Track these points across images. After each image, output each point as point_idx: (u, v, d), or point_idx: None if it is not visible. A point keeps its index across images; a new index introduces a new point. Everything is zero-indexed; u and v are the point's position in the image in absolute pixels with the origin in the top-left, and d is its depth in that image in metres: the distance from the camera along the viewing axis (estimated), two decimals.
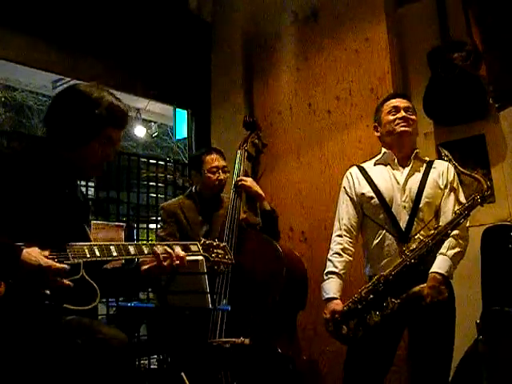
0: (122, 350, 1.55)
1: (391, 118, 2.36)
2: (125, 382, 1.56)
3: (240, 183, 2.91)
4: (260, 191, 2.93)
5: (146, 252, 1.76)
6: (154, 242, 1.83)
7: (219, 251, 1.98)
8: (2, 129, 8.46)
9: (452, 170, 2.32)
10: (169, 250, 1.77)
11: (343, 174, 2.55)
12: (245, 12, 4.05)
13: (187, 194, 2.98)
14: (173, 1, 4.08)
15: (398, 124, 2.33)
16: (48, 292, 1.45)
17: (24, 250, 1.44)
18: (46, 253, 1.49)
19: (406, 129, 2.32)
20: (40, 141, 1.81)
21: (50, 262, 1.46)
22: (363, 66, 3.37)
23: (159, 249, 1.75)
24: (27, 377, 1.48)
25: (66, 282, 1.48)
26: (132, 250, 1.73)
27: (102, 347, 1.52)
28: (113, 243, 1.71)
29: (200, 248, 1.93)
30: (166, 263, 1.74)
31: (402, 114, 2.34)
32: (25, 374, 1.48)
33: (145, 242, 1.85)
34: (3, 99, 8.78)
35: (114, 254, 1.68)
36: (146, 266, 1.78)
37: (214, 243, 1.99)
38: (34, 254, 1.44)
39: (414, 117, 2.37)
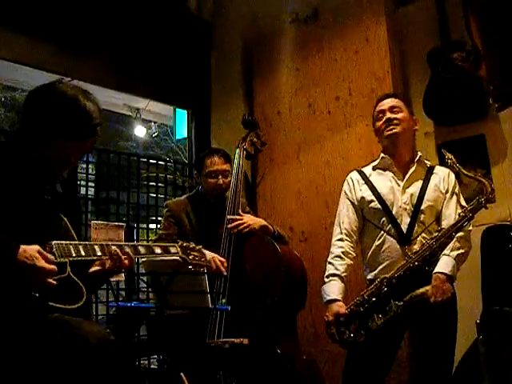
0: (101, 348, 1.53)
1: (379, 123, 2.38)
2: (104, 380, 1.54)
3: (243, 231, 2.68)
4: (261, 223, 2.74)
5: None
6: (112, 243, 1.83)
7: (195, 253, 2.02)
8: (2, 129, 8.45)
9: (453, 176, 2.32)
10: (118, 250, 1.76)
11: (343, 173, 2.55)
12: (245, 12, 4.05)
13: (193, 195, 2.93)
14: (172, 1, 4.08)
15: (384, 129, 2.35)
16: (36, 294, 1.46)
17: (21, 248, 1.44)
18: (51, 256, 1.50)
19: (391, 132, 2.32)
20: (11, 136, 1.82)
21: (46, 264, 1.47)
22: (363, 66, 3.37)
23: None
24: (5, 375, 1.48)
25: (52, 281, 1.49)
26: (115, 249, 1.73)
27: (79, 344, 1.51)
28: (97, 243, 1.73)
29: (179, 250, 1.95)
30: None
31: (387, 115, 2.34)
32: (3, 372, 1.47)
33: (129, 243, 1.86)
34: (3, 99, 8.78)
35: (99, 253, 1.69)
36: (93, 269, 1.77)
37: (191, 245, 2.02)
38: (30, 252, 1.45)
39: (401, 114, 2.34)
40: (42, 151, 1.68)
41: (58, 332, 1.54)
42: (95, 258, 1.69)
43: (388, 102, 2.38)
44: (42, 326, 1.55)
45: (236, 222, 2.71)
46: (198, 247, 2.05)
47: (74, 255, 1.61)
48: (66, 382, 1.51)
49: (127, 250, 1.76)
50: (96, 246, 1.69)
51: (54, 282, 1.49)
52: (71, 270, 1.62)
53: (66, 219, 1.74)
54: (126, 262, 1.74)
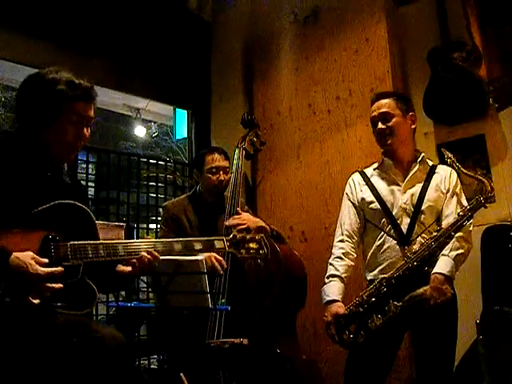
0: (118, 350, 1.52)
1: (373, 133, 2.36)
2: (120, 383, 1.54)
3: (237, 227, 2.61)
4: (259, 224, 2.72)
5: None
6: (153, 239, 1.77)
7: (251, 245, 1.85)
8: (2, 129, 8.45)
9: (454, 175, 2.30)
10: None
11: (343, 173, 2.55)
12: (245, 12, 4.05)
13: (191, 195, 2.93)
14: (173, 1, 4.08)
15: (377, 141, 2.35)
16: (36, 302, 1.42)
17: (13, 255, 1.41)
18: (45, 260, 1.47)
19: (385, 144, 2.31)
20: (10, 132, 1.81)
21: (41, 269, 1.43)
22: (363, 66, 3.37)
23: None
24: (22, 376, 1.46)
25: (57, 285, 1.45)
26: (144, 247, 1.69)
27: (98, 346, 1.49)
28: (121, 241, 1.67)
29: (226, 244, 1.82)
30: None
31: (378, 126, 2.31)
32: (19, 373, 1.46)
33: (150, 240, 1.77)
34: (3, 99, 8.76)
35: (121, 253, 1.64)
36: (127, 269, 1.72)
37: (248, 237, 1.86)
38: (23, 259, 1.41)
39: (393, 120, 2.28)
40: (57, 125, 1.66)
41: (75, 333, 1.52)
42: (115, 258, 1.63)
43: (379, 107, 2.32)
44: (57, 326, 1.52)
45: (234, 221, 2.71)
46: (258, 237, 1.87)
47: (90, 256, 1.56)
48: (83, 382, 1.50)
49: (159, 247, 1.70)
50: (120, 246, 1.63)
51: (56, 286, 1.45)
52: (94, 269, 1.58)
53: (88, 209, 1.69)
54: (155, 262, 1.69)
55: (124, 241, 1.69)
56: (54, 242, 1.55)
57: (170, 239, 1.81)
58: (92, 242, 1.61)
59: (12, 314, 1.44)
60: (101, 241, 1.65)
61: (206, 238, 1.81)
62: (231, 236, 1.85)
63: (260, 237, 1.87)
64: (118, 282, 1.78)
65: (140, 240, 1.73)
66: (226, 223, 2.70)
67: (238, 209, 2.78)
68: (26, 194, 1.57)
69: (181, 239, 1.79)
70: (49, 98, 1.66)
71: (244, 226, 2.68)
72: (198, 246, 1.78)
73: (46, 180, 1.69)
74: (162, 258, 1.81)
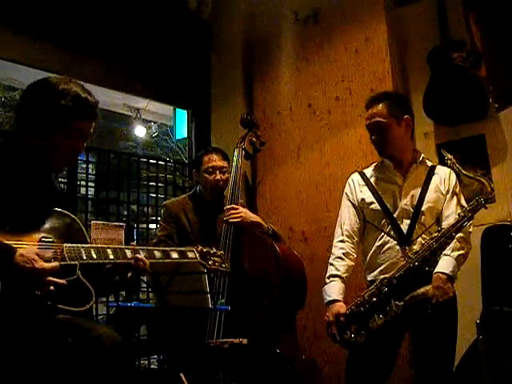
0: (113, 350, 1.54)
1: (371, 141, 2.37)
2: (116, 382, 1.55)
3: (231, 220, 2.70)
4: (255, 220, 2.76)
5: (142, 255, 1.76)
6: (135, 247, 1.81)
7: (216, 259, 2.00)
8: (2, 129, 8.45)
9: (454, 176, 2.31)
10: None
11: (343, 173, 2.55)
12: (245, 12, 4.05)
13: (191, 194, 2.94)
14: (172, 1, 4.09)
15: (375, 148, 2.36)
16: (39, 292, 1.44)
17: (18, 252, 1.43)
18: (49, 253, 1.50)
19: (381, 155, 2.34)
20: (9, 133, 1.83)
21: (45, 264, 1.45)
22: (363, 65, 3.37)
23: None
24: (17, 374, 1.47)
25: (60, 281, 1.47)
26: (129, 253, 1.73)
27: (93, 346, 1.51)
28: (111, 246, 1.72)
29: (197, 255, 1.94)
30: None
31: (372, 137, 2.32)
32: (14, 373, 1.47)
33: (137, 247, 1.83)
34: (3, 99, 8.77)
35: (111, 257, 1.68)
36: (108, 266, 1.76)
37: (211, 251, 2.00)
38: (27, 255, 1.43)
39: (387, 131, 2.27)
40: (54, 137, 1.69)
41: (70, 333, 1.54)
42: (107, 261, 1.67)
43: (371, 115, 2.31)
44: (51, 327, 1.54)
45: (231, 211, 2.73)
46: (219, 253, 2.03)
47: (84, 258, 1.60)
48: (79, 382, 1.51)
49: (141, 255, 1.74)
50: (109, 250, 1.68)
51: (61, 281, 1.47)
52: (84, 272, 1.61)
53: (78, 220, 1.73)
54: (141, 264, 1.73)
55: (111, 246, 1.74)
56: (51, 243, 1.58)
57: (151, 247, 1.90)
58: (84, 245, 1.65)
59: (8, 312, 1.45)
60: (90, 245, 1.69)
61: (180, 249, 1.93)
62: (199, 249, 1.97)
63: (220, 253, 2.05)
64: (107, 284, 1.81)
65: (125, 246, 1.77)
66: (225, 208, 2.74)
67: (240, 202, 2.82)
68: (20, 198, 1.59)
69: (160, 248, 1.90)
70: (53, 112, 1.67)
71: (237, 215, 2.71)
72: (174, 255, 1.88)
73: (39, 185, 1.71)
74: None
